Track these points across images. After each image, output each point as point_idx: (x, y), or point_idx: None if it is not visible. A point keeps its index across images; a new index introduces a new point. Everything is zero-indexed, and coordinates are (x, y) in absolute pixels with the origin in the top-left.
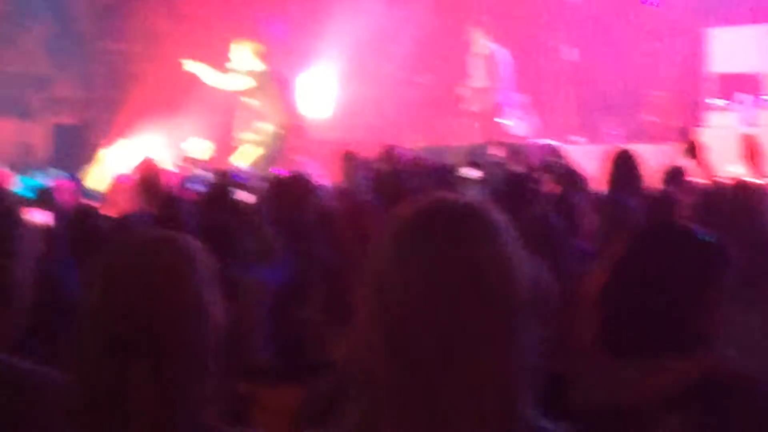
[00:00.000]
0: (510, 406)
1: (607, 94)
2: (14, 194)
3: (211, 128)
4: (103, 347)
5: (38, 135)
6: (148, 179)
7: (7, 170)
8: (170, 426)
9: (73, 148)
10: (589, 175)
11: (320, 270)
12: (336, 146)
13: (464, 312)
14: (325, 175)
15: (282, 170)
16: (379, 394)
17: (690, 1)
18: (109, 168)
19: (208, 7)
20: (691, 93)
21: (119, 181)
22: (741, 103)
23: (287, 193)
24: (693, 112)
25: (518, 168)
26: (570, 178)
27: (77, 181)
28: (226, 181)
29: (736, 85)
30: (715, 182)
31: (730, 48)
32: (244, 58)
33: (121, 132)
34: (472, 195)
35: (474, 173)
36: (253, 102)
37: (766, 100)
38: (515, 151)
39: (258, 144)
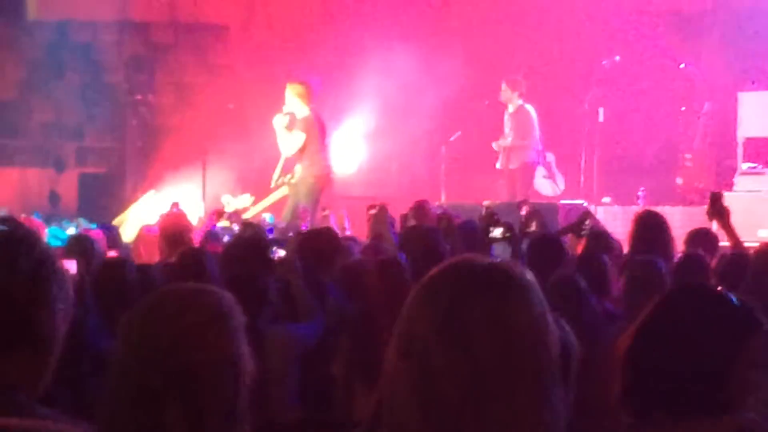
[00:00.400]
0: None
1: (636, 156)
2: (47, 244)
3: (243, 180)
4: (135, 397)
5: (67, 185)
6: (173, 231)
7: (39, 220)
8: None
9: (100, 198)
10: (616, 236)
11: (347, 326)
12: (365, 202)
13: (495, 374)
14: (353, 231)
15: (308, 224)
16: None
17: (722, 65)
18: (139, 219)
19: (238, 59)
20: (720, 156)
21: (145, 232)
22: None
23: (313, 248)
24: (722, 175)
25: (544, 228)
26: (598, 239)
27: (106, 231)
28: (257, 233)
29: (766, 150)
30: (740, 246)
31: (760, 112)
32: (292, 100)
33: (152, 183)
34: (499, 254)
35: (500, 232)
36: (293, 145)
37: None
38: (543, 211)
39: (292, 195)
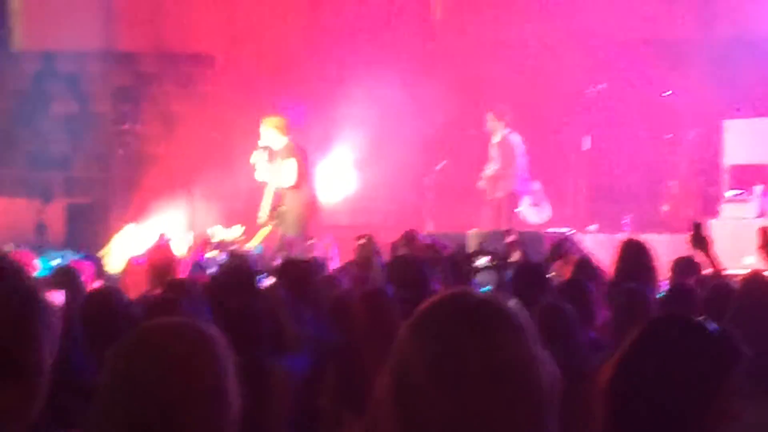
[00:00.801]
0: None
1: (621, 183)
2: (34, 276)
3: (229, 210)
4: (123, 428)
5: (54, 215)
6: (160, 262)
7: (27, 251)
8: None
9: (87, 228)
10: (601, 264)
11: (332, 357)
12: (352, 231)
13: (488, 409)
14: (341, 260)
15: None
16: None
17: (707, 92)
18: (125, 250)
19: (224, 88)
20: (706, 183)
21: (132, 263)
22: (754, 194)
23: (293, 278)
24: (707, 203)
25: (531, 256)
26: (585, 266)
27: (93, 262)
28: (244, 265)
29: (751, 177)
30: (722, 276)
31: (745, 139)
32: (270, 134)
33: (137, 213)
34: (484, 283)
35: (486, 261)
36: (290, 174)
37: None
38: (528, 239)
39: (280, 222)
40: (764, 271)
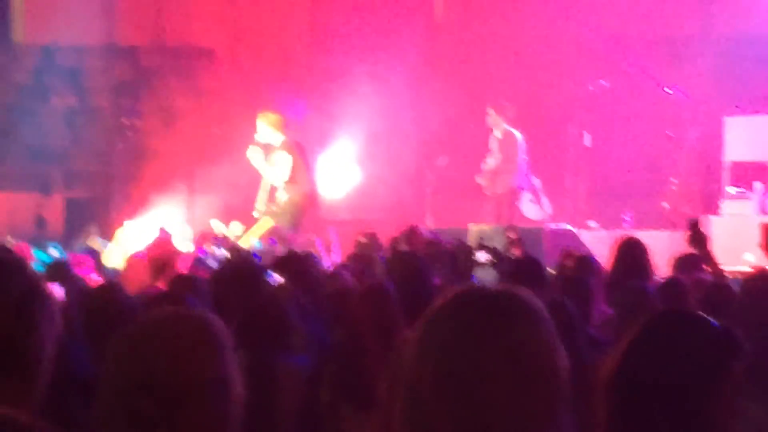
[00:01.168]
0: None
1: (622, 180)
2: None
3: (228, 205)
4: (125, 421)
5: (53, 209)
6: (160, 257)
7: (25, 244)
8: None
9: (86, 222)
10: (602, 260)
11: (332, 352)
12: (352, 226)
13: (507, 402)
14: (342, 255)
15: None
16: None
17: (709, 89)
18: (126, 244)
19: (225, 83)
20: (707, 180)
21: (133, 258)
22: (755, 191)
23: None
24: (707, 200)
25: (531, 252)
26: (586, 263)
27: (92, 256)
28: (248, 260)
29: (752, 174)
30: (719, 273)
31: (746, 136)
32: (266, 130)
33: (137, 207)
34: (484, 278)
35: (485, 256)
36: (284, 169)
37: None
38: (528, 235)
39: (275, 216)
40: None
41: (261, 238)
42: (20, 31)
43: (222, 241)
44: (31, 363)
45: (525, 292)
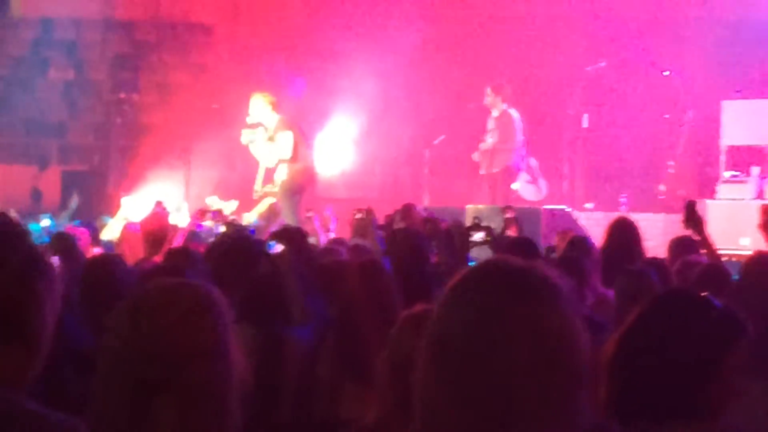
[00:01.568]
0: None
1: (619, 162)
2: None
3: (225, 180)
4: (125, 390)
5: (49, 182)
6: (154, 230)
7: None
8: None
9: (82, 195)
10: (597, 242)
11: (331, 327)
12: (348, 204)
13: (528, 376)
14: (338, 233)
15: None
16: None
17: (706, 73)
18: (122, 217)
19: (223, 59)
20: (703, 164)
21: (128, 230)
22: (751, 175)
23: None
24: (704, 183)
25: (527, 232)
26: (580, 242)
27: (89, 228)
28: (244, 234)
29: (749, 158)
30: (715, 256)
31: (743, 120)
32: (260, 110)
33: (133, 181)
34: (479, 258)
35: (481, 236)
36: (286, 146)
37: None
38: (525, 215)
39: (275, 196)
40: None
41: (260, 216)
42: (18, 3)
43: (218, 216)
44: (32, 332)
45: (549, 270)
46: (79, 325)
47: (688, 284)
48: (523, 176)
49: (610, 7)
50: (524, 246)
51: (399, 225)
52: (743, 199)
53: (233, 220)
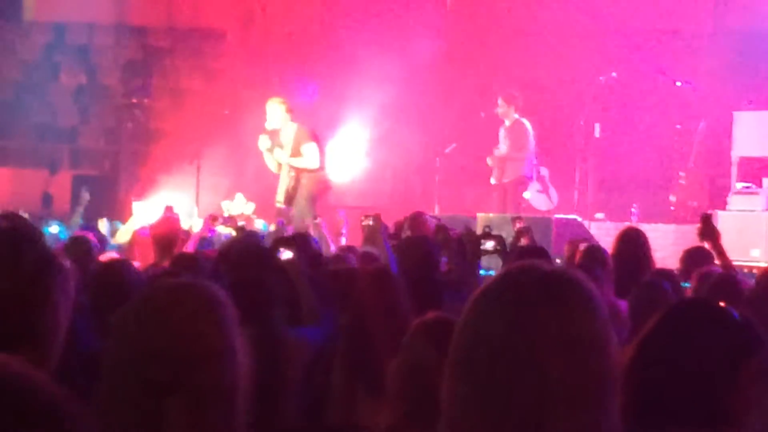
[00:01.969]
0: None
1: (630, 172)
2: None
3: (236, 185)
4: (133, 391)
5: (60, 186)
6: (164, 234)
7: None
8: None
9: (93, 200)
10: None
11: (342, 334)
12: (359, 211)
13: (560, 383)
14: (348, 240)
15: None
16: None
17: (718, 84)
18: (133, 222)
19: (235, 65)
20: (714, 175)
21: (138, 234)
22: (763, 187)
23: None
24: (715, 194)
25: (539, 241)
26: (597, 253)
27: (95, 233)
28: (253, 238)
29: (760, 169)
30: (730, 268)
31: (755, 132)
32: (278, 116)
33: (145, 186)
34: (490, 267)
35: (492, 245)
36: (314, 157)
37: None
38: (537, 225)
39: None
40: None
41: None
42: (31, 8)
43: (229, 221)
44: (45, 333)
45: (581, 275)
46: (90, 330)
47: (702, 295)
48: (534, 185)
49: (622, 18)
50: (536, 254)
51: (407, 233)
52: (754, 211)
53: (243, 225)
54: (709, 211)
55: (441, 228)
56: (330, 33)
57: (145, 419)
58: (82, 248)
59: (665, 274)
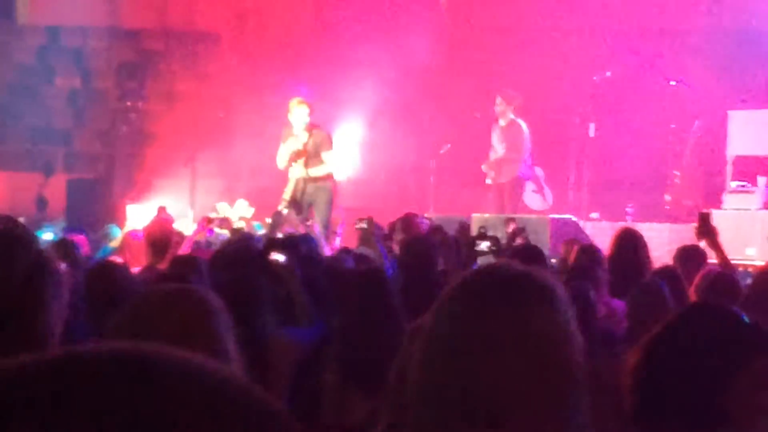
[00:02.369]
0: None
1: (625, 172)
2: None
3: (231, 188)
4: None
5: (55, 189)
6: (158, 237)
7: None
8: None
9: (87, 204)
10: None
11: (336, 334)
12: (353, 213)
13: (516, 380)
14: (342, 240)
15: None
16: None
17: (712, 83)
18: (127, 225)
19: (229, 67)
20: (709, 174)
21: (129, 237)
22: (758, 185)
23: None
24: (710, 193)
25: (535, 241)
26: (592, 253)
27: (87, 236)
28: (246, 239)
29: (755, 168)
30: (729, 266)
31: (749, 130)
32: (303, 119)
33: (140, 189)
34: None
35: (487, 246)
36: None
37: None
38: (533, 224)
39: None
40: None
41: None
42: (24, 11)
43: (223, 223)
44: (39, 336)
45: (546, 274)
46: (86, 332)
47: (701, 293)
48: (529, 185)
49: (617, 17)
50: (530, 254)
51: (399, 235)
52: (749, 209)
53: (240, 228)
54: (707, 211)
55: (437, 229)
56: (324, 35)
57: None
58: (67, 250)
59: (667, 273)
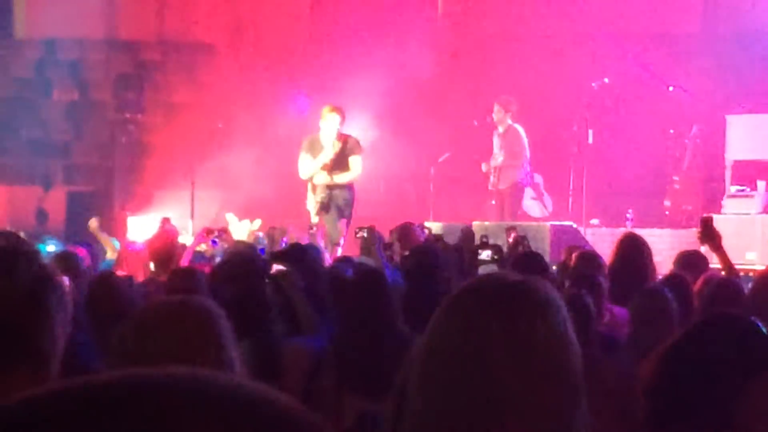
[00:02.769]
0: None
1: (624, 178)
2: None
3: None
4: None
5: (54, 202)
6: (161, 249)
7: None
8: None
9: (87, 216)
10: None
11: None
12: (354, 222)
13: (509, 389)
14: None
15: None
16: None
17: (711, 88)
18: (128, 236)
19: (227, 78)
20: (709, 178)
21: (126, 249)
22: (757, 190)
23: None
24: (709, 198)
25: (535, 248)
26: (592, 260)
27: (89, 249)
28: (248, 250)
29: (754, 172)
30: (733, 270)
31: (748, 135)
32: (334, 126)
33: (139, 201)
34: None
35: (488, 254)
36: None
37: None
38: (533, 232)
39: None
40: None
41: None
42: (21, 24)
43: (224, 233)
44: (44, 351)
45: (542, 283)
46: (89, 345)
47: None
48: (528, 192)
49: (614, 23)
50: (532, 262)
51: (396, 244)
52: (749, 214)
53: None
54: (709, 215)
55: (437, 238)
56: (321, 45)
57: None
58: (70, 263)
59: (674, 280)
